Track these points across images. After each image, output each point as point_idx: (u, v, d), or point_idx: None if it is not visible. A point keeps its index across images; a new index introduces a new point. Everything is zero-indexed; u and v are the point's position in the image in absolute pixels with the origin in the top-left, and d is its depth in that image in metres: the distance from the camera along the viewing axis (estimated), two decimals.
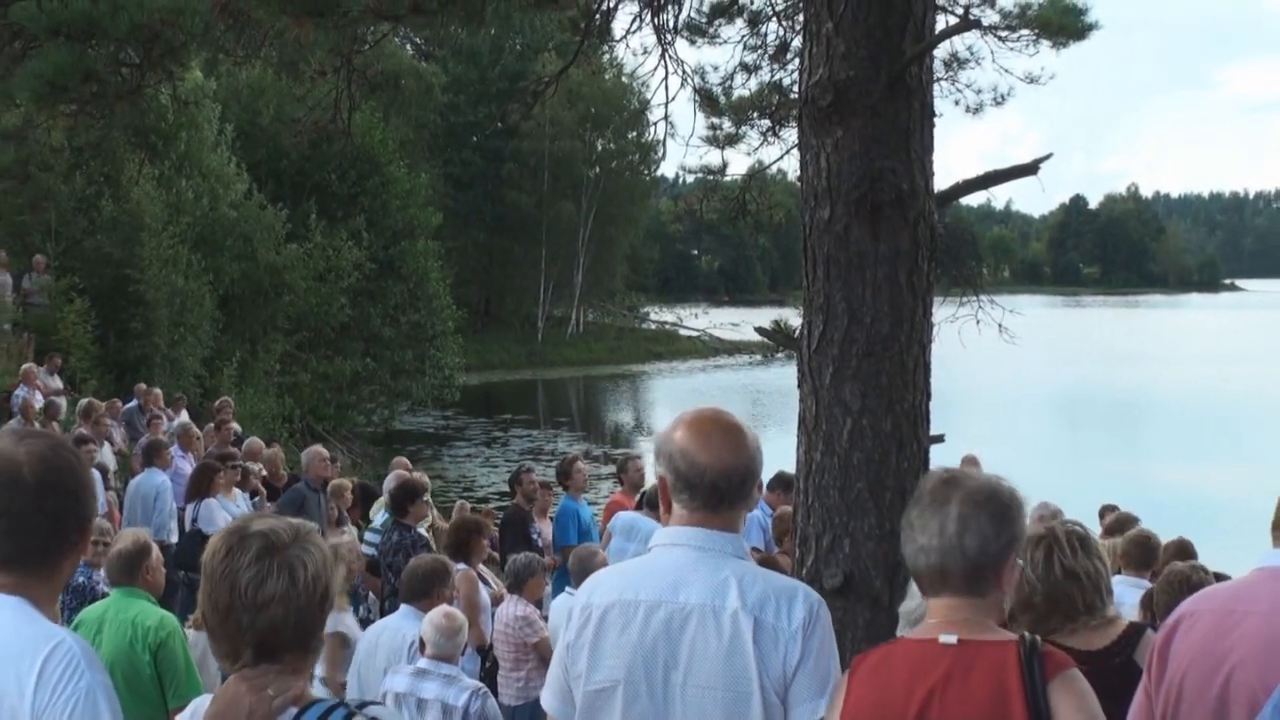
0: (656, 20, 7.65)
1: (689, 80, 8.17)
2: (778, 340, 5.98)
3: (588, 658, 2.53)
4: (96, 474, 8.34)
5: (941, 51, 7.78)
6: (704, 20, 8.31)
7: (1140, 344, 60.21)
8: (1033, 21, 7.39)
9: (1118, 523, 7.88)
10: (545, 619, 6.87)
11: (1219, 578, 5.33)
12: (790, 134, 8.26)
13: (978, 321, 6.85)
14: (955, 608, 2.32)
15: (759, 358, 39.97)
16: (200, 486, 9.58)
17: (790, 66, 8.22)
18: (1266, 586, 2.52)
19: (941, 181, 5.15)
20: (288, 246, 24.18)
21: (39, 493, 2.10)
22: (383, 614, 7.52)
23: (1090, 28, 7.17)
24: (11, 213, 19.65)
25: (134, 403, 14.83)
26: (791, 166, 6.83)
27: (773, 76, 8.56)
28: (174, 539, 9.96)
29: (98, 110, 6.71)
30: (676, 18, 7.85)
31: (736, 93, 8.75)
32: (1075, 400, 38.95)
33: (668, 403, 38.07)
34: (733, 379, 44.72)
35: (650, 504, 8.39)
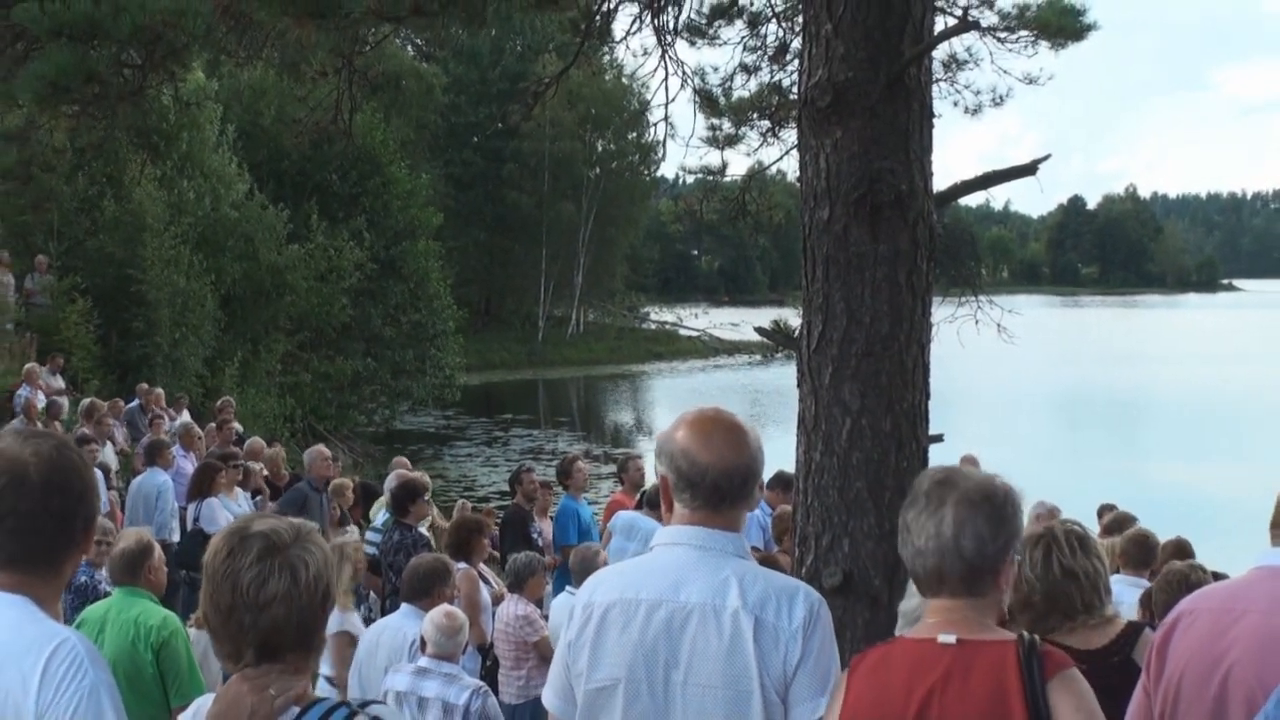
0: (656, 21, 7.66)
1: (689, 81, 8.19)
2: (777, 340, 5.98)
3: (589, 656, 2.53)
4: (99, 474, 8.34)
5: (940, 52, 7.81)
6: (704, 21, 8.32)
7: (1138, 344, 60.22)
8: (1031, 22, 7.39)
9: (1116, 522, 7.88)
10: (545, 618, 6.89)
11: (1217, 577, 5.34)
12: (790, 135, 8.27)
13: (976, 321, 6.85)
14: (953, 608, 2.32)
15: (759, 358, 39.99)
16: (202, 486, 9.59)
17: (790, 68, 8.23)
18: (1265, 585, 2.53)
19: (940, 182, 5.17)
20: (289, 247, 24.20)
21: (45, 493, 2.12)
22: (383, 613, 7.53)
23: (1089, 28, 7.17)
24: (14, 213, 19.69)
25: (136, 402, 14.85)
26: (791, 167, 6.85)
27: (772, 77, 8.58)
28: (176, 538, 9.98)
29: (100, 111, 6.74)
30: (676, 19, 7.87)
31: (736, 94, 8.77)
32: (1073, 400, 38.95)
33: (668, 403, 38.08)
34: (732, 379, 44.71)
35: (650, 503, 8.40)
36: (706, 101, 8.63)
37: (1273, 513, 2.59)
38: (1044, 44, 7.40)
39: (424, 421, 32.78)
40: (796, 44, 7.14)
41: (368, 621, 6.97)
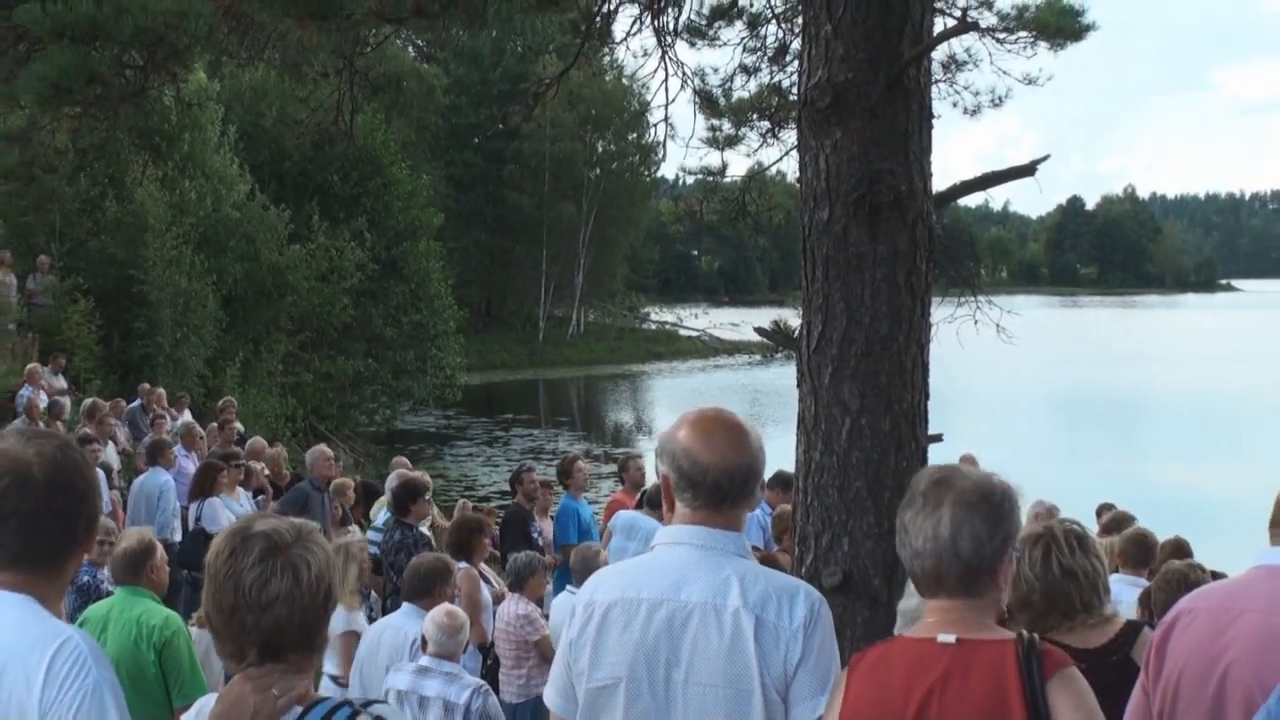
0: (656, 23, 7.66)
1: (689, 82, 8.19)
2: (777, 340, 5.99)
3: (590, 655, 2.54)
4: (101, 473, 8.36)
5: (940, 53, 7.81)
6: (704, 23, 8.32)
7: (1137, 344, 60.23)
8: (1030, 23, 7.39)
9: (1115, 521, 7.90)
10: (546, 617, 6.90)
11: (1216, 576, 5.36)
12: (790, 135, 8.27)
13: (976, 322, 6.85)
14: (952, 608, 2.32)
15: (759, 358, 39.99)
16: (204, 486, 9.60)
17: (789, 68, 8.23)
18: (1263, 584, 2.53)
19: (940, 183, 5.18)
20: (290, 247, 24.22)
21: (49, 492, 2.13)
22: (384, 612, 7.54)
23: (1088, 29, 7.17)
24: (16, 214, 19.70)
25: (138, 402, 14.87)
26: (791, 168, 6.84)
27: (772, 78, 8.58)
28: (178, 538, 9.99)
29: (102, 112, 6.74)
30: (676, 20, 7.87)
31: (736, 94, 8.77)
32: (1072, 400, 38.96)
33: (668, 403, 38.10)
34: (732, 379, 44.73)
35: (651, 503, 8.41)
36: (706, 102, 8.64)
37: (1272, 511, 2.59)
38: (1043, 44, 7.40)
39: (425, 421, 32.80)
40: (796, 45, 7.14)
41: (369, 620, 6.98)
